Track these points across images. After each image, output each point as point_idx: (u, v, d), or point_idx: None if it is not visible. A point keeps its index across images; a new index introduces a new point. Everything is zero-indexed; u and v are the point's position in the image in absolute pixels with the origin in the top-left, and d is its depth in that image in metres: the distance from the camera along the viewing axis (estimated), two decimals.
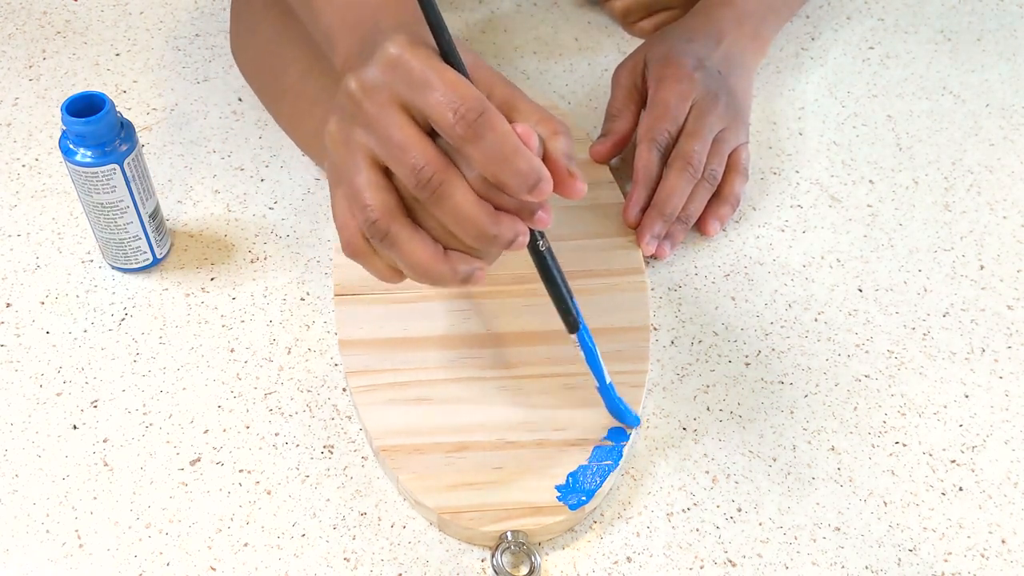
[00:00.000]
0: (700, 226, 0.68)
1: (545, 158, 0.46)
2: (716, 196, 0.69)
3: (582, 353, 0.53)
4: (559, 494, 0.53)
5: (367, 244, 0.48)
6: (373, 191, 0.46)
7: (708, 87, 0.69)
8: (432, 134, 0.46)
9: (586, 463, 0.55)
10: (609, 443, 0.56)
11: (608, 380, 0.55)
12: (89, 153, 0.59)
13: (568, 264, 0.64)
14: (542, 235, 0.50)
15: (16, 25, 0.86)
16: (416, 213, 0.47)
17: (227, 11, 0.82)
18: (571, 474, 0.54)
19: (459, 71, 0.46)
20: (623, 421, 0.56)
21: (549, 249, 0.51)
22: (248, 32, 0.76)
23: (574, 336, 0.53)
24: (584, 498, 0.53)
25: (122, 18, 0.86)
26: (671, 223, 0.66)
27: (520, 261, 0.64)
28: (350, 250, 0.49)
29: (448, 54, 0.46)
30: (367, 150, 0.46)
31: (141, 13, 0.87)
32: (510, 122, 0.46)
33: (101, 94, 0.59)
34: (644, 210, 0.66)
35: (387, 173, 0.47)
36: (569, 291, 0.52)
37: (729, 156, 0.69)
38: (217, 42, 0.83)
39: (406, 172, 0.45)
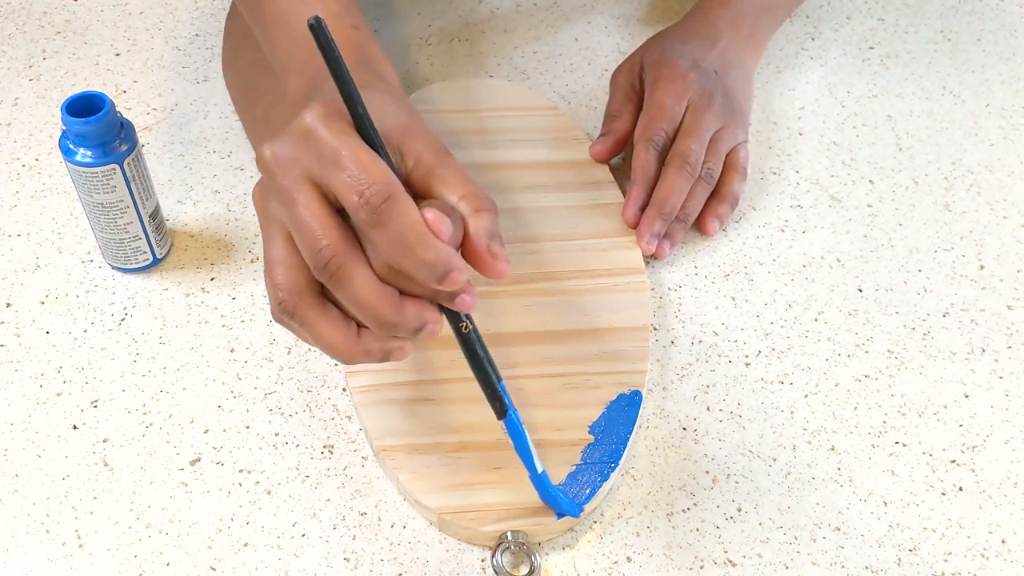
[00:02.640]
0: (699, 225, 0.68)
1: (465, 238, 0.45)
2: (715, 195, 0.69)
3: (510, 440, 0.51)
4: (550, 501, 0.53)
5: (286, 318, 0.46)
6: (283, 269, 0.45)
7: (704, 87, 0.69)
8: (344, 212, 0.44)
9: (579, 462, 0.55)
10: (591, 438, 0.56)
11: (540, 469, 0.51)
12: (89, 153, 0.59)
13: (568, 264, 0.64)
14: (467, 316, 0.47)
15: (16, 25, 0.86)
16: (328, 291, 0.45)
17: (227, 11, 0.82)
18: (559, 485, 0.54)
19: (373, 145, 0.44)
20: (560, 511, 0.53)
21: (475, 330, 0.48)
22: (232, 54, 0.76)
23: (502, 422, 0.50)
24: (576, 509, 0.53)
25: (122, 18, 0.86)
26: (670, 222, 0.66)
27: (520, 262, 0.64)
28: (274, 316, 0.47)
29: (361, 128, 0.44)
30: (281, 224, 0.45)
31: (141, 13, 0.87)
32: (434, 194, 0.45)
33: (101, 94, 0.59)
34: (643, 209, 0.66)
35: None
36: (497, 374, 0.49)
37: (728, 155, 0.69)
38: (217, 42, 0.83)
39: (307, 252, 0.44)
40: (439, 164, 0.46)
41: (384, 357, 0.46)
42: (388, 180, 0.42)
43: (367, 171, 0.42)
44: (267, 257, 0.46)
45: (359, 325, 0.46)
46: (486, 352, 0.49)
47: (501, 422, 0.50)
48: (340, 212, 0.44)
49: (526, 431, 0.50)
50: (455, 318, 0.47)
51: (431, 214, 0.43)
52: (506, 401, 0.49)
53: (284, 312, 0.45)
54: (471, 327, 0.47)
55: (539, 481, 0.52)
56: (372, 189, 0.42)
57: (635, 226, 0.66)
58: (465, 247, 0.45)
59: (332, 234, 0.43)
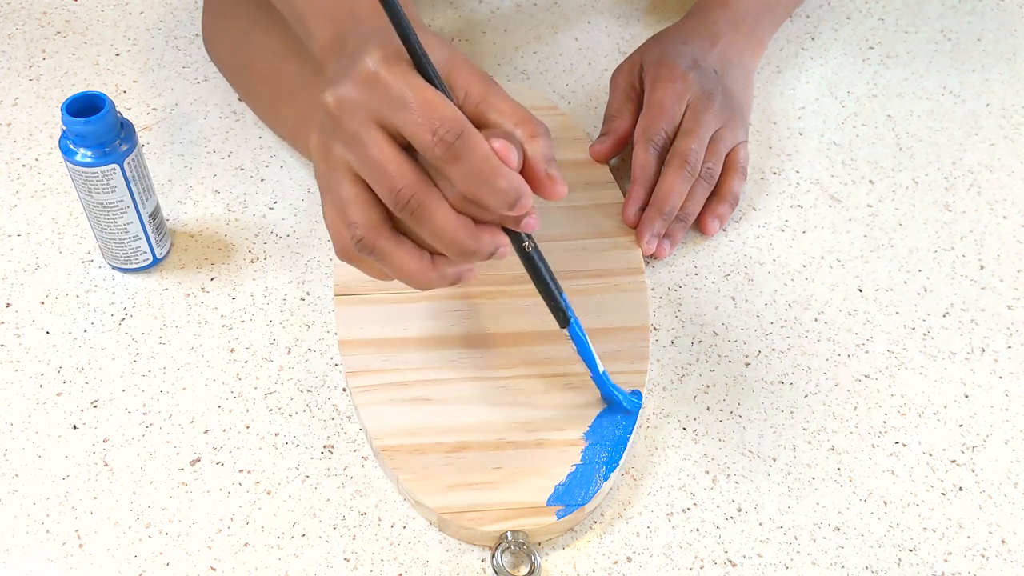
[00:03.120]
0: (699, 225, 0.68)
1: (524, 162, 0.47)
2: (715, 195, 0.69)
3: (575, 346, 0.54)
4: (550, 499, 0.53)
5: (361, 254, 0.49)
6: (358, 207, 0.47)
7: (703, 87, 0.69)
8: (410, 149, 0.46)
9: (580, 461, 0.55)
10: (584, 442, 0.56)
11: (602, 369, 0.56)
12: (89, 153, 0.59)
13: (568, 264, 0.64)
14: (528, 236, 0.50)
15: (16, 25, 0.86)
16: (400, 224, 0.48)
17: None
18: (559, 485, 0.54)
19: (434, 83, 0.46)
20: (621, 406, 0.57)
21: (536, 248, 0.51)
22: (222, 21, 0.76)
23: (565, 330, 0.54)
24: (575, 503, 0.53)
25: (122, 18, 0.86)
26: (670, 222, 0.66)
27: (519, 261, 0.64)
28: (343, 255, 0.50)
29: (421, 67, 0.46)
30: (348, 166, 0.47)
31: (141, 13, 0.87)
32: (488, 123, 0.47)
33: (101, 94, 0.59)
34: (643, 209, 0.66)
35: (370, 188, 0.47)
36: (558, 287, 0.53)
37: (727, 155, 0.69)
38: None
39: (385, 192, 0.46)
40: (490, 93, 0.47)
41: (456, 280, 0.49)
42: (457, 117, 0.44)
43: (436, 110, 0.44)
44: (335, 199, 0.48)
45: (432, 253, 0.48)
46: (547, 267, 0.52)
47: (564, 330, 0.54)
48: (407, 151, 0.46)
49: (587, 337, 0.54)
50: (518, 239, 0.50)
51: (499, 144, 0.45)
52: (568, 311, 0.53)
53: (363, 248, 0.47)
54: (533, 245, 0.51)
55: (600, 380, 0.56)
56: (445, 127, 0.44)
57: (635, 226, 0.66)
58: (525, 171, 0.47)
59: (407, 172, 0.45)
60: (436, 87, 0.46)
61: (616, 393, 0.56)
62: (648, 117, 0.69)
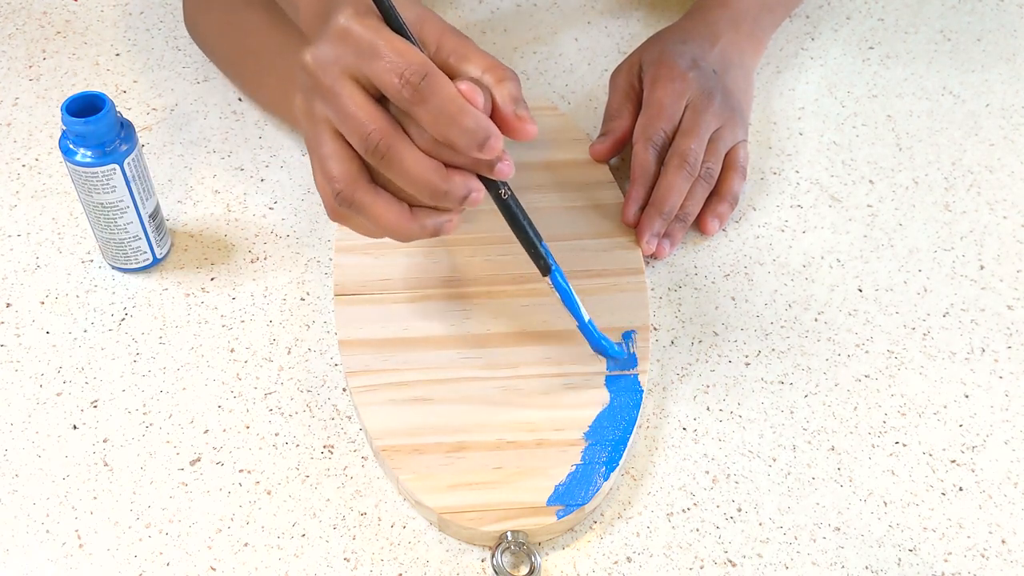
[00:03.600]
0: (699, 224, 0.68)
1: (493, 106, 0.48)
2: (714, 194, 0.69)
3: (558, 294, 0.55)
4: (550, 499, 0.53)
5: (343, 209, 0.50)
6: (336, 161, 0.49)
7: (703, 86, 0.69)
8: (383, 101, 0.48)
9: (580, 461, 0.55)
10: (584, 442, 0.56)
11: (587, 318, 0.56)
12: (89, 153, 0.59)
13: (568, 264, 0.64)
14: (504, 184, 0.51)
15: (16, 25, 0.86)
16: (378, 176, 0.49)
17: None
18: (559, 484, 0.54)
19: (403, 35, 0.48)
20: (608, 355, 0.58)
21: (513, 196, 0.52)
22: (205, 3, 0.77)
23: (547, 279, 0.55)
24: (575, 503, 0.53)
25: (122, 18, 0.86)
26: (669, 221, 0.66)
27: (520, 262, 0.64)
28: (332, 215, 0.51)
29: (390, 20, 0.48)
30: (328, 122, 0.49)
31: (141, 13, 0.87)
32: (459, 73, 0.48)
33: (101, 94, 0.59)
34: (643, 209, 0.66)
35: (348, 142, 0.49)
36: (537, 235, 0.54)
37: (727, 154, 0.69)
38: None
39: (357, 140, 0.48)
40: (458, 44, 0.50)
41: (436, 231, 0.51)
42: (423, 60, 0.46)
43: (403, 56, 0.46)
44: (317, 155, 0.50)
45: (411, 206, 0.50)
46: (526, 215, 0.53)
47: (546, 279, 0.55)
48: (380, 102, 0.48)
49: (571, 287, 0.55)
50: (494, 186, 0.51)
51: (464, 85, 0.47)
52: (549, 259, 0.54)
53: (342, 202, 0.49)
54: (509, 193, 0.52)
55: (586, 329, 0.57)
56: (411, 70, 0.46)
57: (635, 225, 0.66)
58: (495, 115, 0.49)
59: (378, 119, 0.47)
60: (406, 37, 0.48)
61: (602, 342, 0.57)
62: (647, 117, 0.69)
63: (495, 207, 0.57)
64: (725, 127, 0.69)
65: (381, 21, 0.48)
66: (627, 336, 0.60)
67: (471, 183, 0.49)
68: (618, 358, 0.58)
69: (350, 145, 0.49)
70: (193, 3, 0.78)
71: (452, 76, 0.48)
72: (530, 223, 0.54)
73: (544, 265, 0.55)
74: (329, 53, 0.48)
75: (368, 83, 0.48)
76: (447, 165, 0.48)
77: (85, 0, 0.88)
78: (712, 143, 0.68)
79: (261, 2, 0.71)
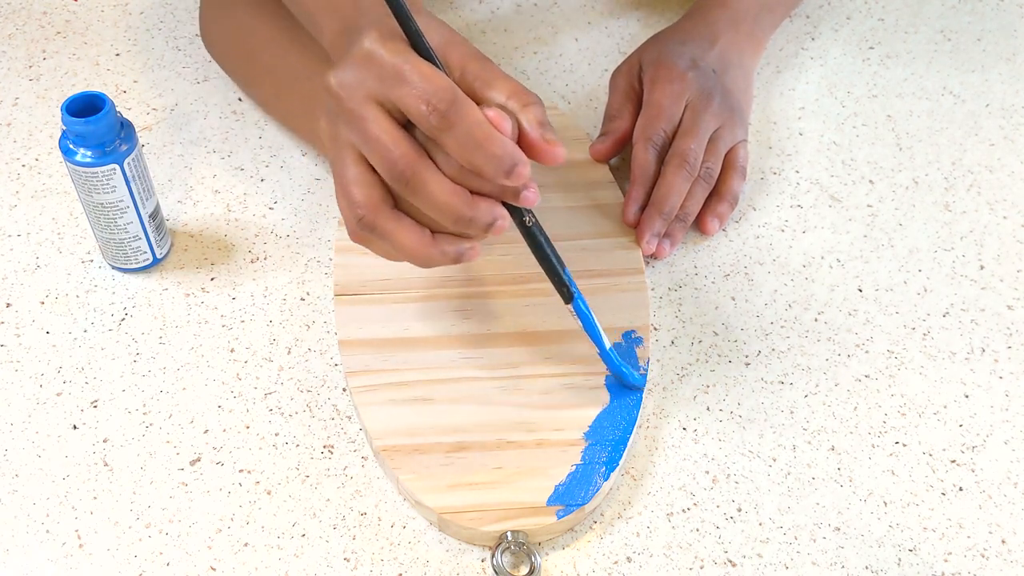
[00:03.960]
0: (699, 224, 0.68)
1: (520, 132, 0.48)
2: (714, 194, 0.69)
3: (579, 322, 0.55)
4: (550, 499, 0.53)
5: (365, 233, 0.50)
6: (359, 187, 0.49)
7: (702, 86, 0.69)
8: (409, 125, 0.48)
9: (580, 461, 0.55)
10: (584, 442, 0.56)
11: (608, 346, 0.56)
12: (89, 153, 0.59)
13: (568, 264, 0.64)
14: (528, 211, 0.51)
15: (16, 25, 0.86)
16: (401, 202, 0.49)
17: None
18: (559, 484, 0.54)
19: (429, 59, 0.48)
20: (627, 383, 0.58)
21: (537, 223, 0.52)
22: (220, 13, 0.76)
23: (569, 306, 0.55)
24: (575, 504, 0.53)
25: (122, 18, 0.86)
26: (669, 221, 0.66)
27: (520, 262, 0.64)
28: (353, 237, 0.51)
29: (416, 44, 0.48)
30: (352, 146, 0.49)
31: (141, 13, 0.87)
32: (483, 98, 0.48)
33: (101, 94, 0.59)
34: (643, 209, 0.66)
35: (372, 167, 0.49)
36: (561, 262, 0.54)
37: (727, 154, 0.69)
38: None
39: (382, 165, 0.48)
40: (483, 69, 0.49)
41: (458, 258, 0.50)
42: (450, 86, 0.46)
43: (430, 81, 0.46)
44: (340, 180, 0.49)
45: (433, 232, 0.50)
46: (549, 243, 0.53)
47: (568, 306, 0.54)
48: (405, 127, 0.48)
49: (592, 313, 0.55)
50: (518, 213, 0.51)
51: (491, 112, 0.47)
52: (572, 287, 0.54)
53: (364, 227, 0.49)
54: (534, 220, 0.52)
55: (607, 357, 0.57)
56: (437, 96, 0.46)
57: (635, 225, 0.66)
58: (521, 141, 0.48)
59: (403, 145, 0.47)
60: (431, 62, 0.47)
61: (623, 368, 0.57)
62: (647, 117, 0.69)
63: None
64: (724, 127, 0.69)
65: (407, 45, 0.48)
66: (627, 336, 0.60)
67: (496, 210, 0.49)
68: (638, 386, 0.58)
69: (374, 170, 0.48)
70: (209, 16, 0.77)
71: (477, 102, 0.48)
72: (554, 250, 0.53)
73: (567, 293, 0.54)
74: (354, 77, 0.47)
75: (394, 108, 0.47)
76: (472, 192, 0.48)
77: (85, 0, 0.88)
78: (712, 143, 0.68)
79: (279, 16, 0.70)
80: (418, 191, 0.47)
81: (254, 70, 0.74)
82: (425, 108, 0.46)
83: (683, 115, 0.69)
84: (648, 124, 0.68)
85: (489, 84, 0.49)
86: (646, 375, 0.59)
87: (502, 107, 0.48)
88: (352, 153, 0.49)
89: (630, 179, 0.67)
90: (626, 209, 0.66)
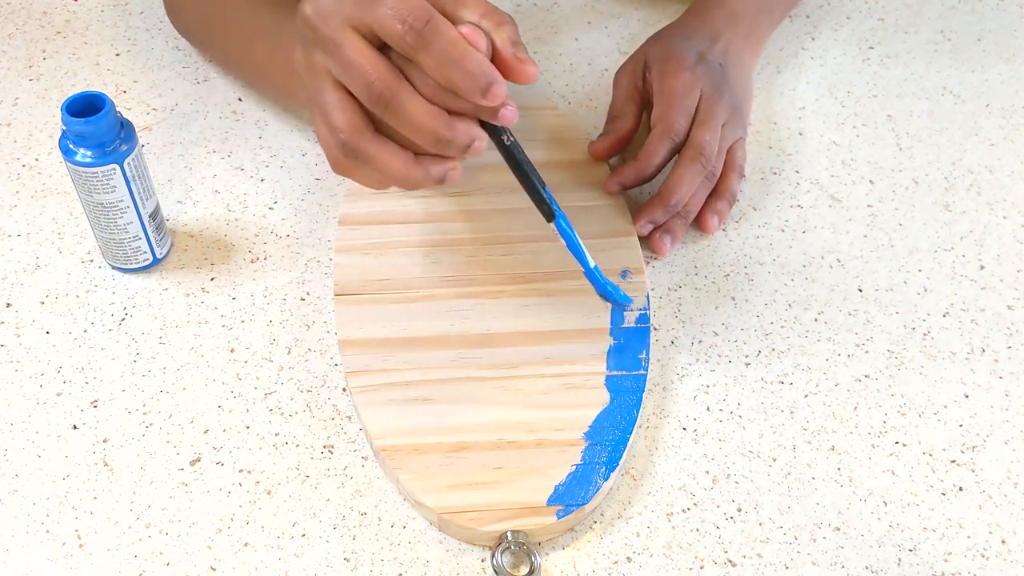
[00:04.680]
0: (699, 222, 0.68)
1: (493, 51, 0.49)
2: (713, 192, 0.68)
3: (563, 240, 0.56)
4: (550, 499, 0.53)
5: (349, 160, 0.51)
6: (339, 112, 0.49)
7: (712, 79, 0.69)
8: (385, 50, 0.48)
9: (580, 461, 0.55)
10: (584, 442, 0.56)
11: (592, 264, 0.57)
12: (89, 153, 0.59)
13: (568, 264, 0.64)
14: (507, 130, 0.52)
15: (16, 25, 0.86)
16: (381, 126, 0.50)
17: None
18: (559, 484, 0.54)
19: None
20: (613, 301, 0.59)
21: (516, 142, 0.53)
22: None
23: (552, 224, 0.55)
24: (574, 504, 0.53)
25: (122, 18, 0.86)
26: (672, 214, 0.66)
27: (520, 262, 0.64)
28: (336, 167, 0.52)
29: None
30: (328, 72, 0.49)
31: (141, 13, 0.87)
32: (456, 19, 0.48)
33: (101, 94, 0.59)
34: (624, 187, 0.67)
35: (351, 93, 0.49)
36: (541, 181, 0.54)
37: (726, 153, 0.69)
38: None
39: (359, 89, 0.48)
40: None
41: (441, 179, 0.51)
42: (424, 5, 0.47)
43: (405, 1, 0.47)
44: (320, 107, 0.50)
45: (415, 155, 0.50)
46: (528, 162, 0.54)
47: (551, 224, 0.55)
48: (382, 51, 0.48)
49: (575, 232, 0.56)
50: (497, 133, 0.52)
51: (466, 29, 0.47)
52: (552, 204, 0.55)
53: (348, 153, 0.50)
54: (512, 139, 0.52)
55: (591, 275, 0.58)
56: (413, 15, 0.46)
57: (613, 189, 0.68)
58: (495, 59, 0.49)
59: (380, 67, 0.48)
60: None
61: (608, 287, 0.58)
62: (662, 106, 0.68)
63: (495, 207, 0.57)
64: (728, 124, 0.69)
65: None
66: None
67: (474, 130, 0.49)
68: (624, 303, 0.59)
69: (352, 95, 0.49)
70: None
71: (451, 21, 0.48)
72: (533, 170, 0.54)
73: (548, 211, 0.55)
74: (329, 3, 0.48)
75: (370, 32, 0.48)
76: (451, 113, 0.49)
77: (85, 0, 0.88)
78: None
79: None
80: (397, 112, 0.48)
81: (220, 30, 0.75)
82: (401, 27, 0.46)
83: (698, 105, 0.68)
84: (666, 112, 0.67)
85: (462, 5, 0.49)
86: (630, 299, 0.60)
87: (476, 26, 0.48)
88: (329, 80, 0.49)
89: (635, 156, 0.67)
90: (611, 179, 0.67)
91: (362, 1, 0.47)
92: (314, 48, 0.50)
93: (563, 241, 0.56)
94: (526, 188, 0.54)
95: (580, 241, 0.56)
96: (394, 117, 0.48)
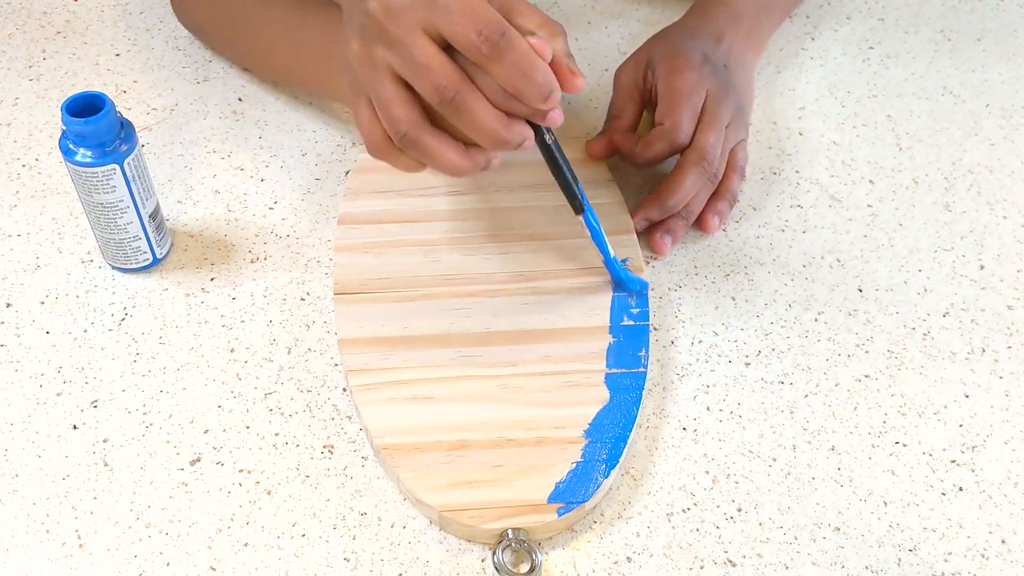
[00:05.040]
0: (700, 222, 0.68)
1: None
2: (714, 192, 0.68)
3: (588, 232, 0.60)
4: (551, 496, 0.54)
5: (392, 146, 0.54)
6: (400, 105, 0.52)
7: (718, 79, 0.69)
8: (449, 51, 0.51)
9: (580, 459, 0.55)
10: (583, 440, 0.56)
11: (612, 254, 0.61)
12: (89, 153, 0.59)
13: (568, 263, 0.64)
14: (548, 130, 0.56)
15: (16, 25, 0.86)
16: (437, 119, 0.53)
17: None
18: (560, 482, 0.54)
19: None
20: (630, 288, 0.62)
21: (555, 142, 0.57)
22: None
23: (580, 217, 0.59)
24: (574, 502, 0.53)
25: (122, 18, 0.86)
26: (669, 214, 0.66)
27: (520, 260, 0.64)
28: (377, 152, 0.55)
29: None
30: (389, 67, 0.52)
31: (141, 13, 0.87)
32: (516, 25, 0.51)
33: (101, 94, 0.59)
34: (609, 152, 0.70)
35: (409, 87, 0.52)
36: (574, 177, 0.59)
37: (728, 153, 0.69)
38: None
39: (429, 90, 0.51)
40: None
41: (486, 166, 0.55)
42: (500, 19, 0.50)
43: (479, 13, 0.49)
44: (379, 99, 0.53)
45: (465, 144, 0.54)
46: (565, 158, 0.58)
47: (580, 217, 0.60)
48: (446, 51, 0.51)
49: (600, 225, 0.60)
50: (540, 131, 0.55)
51: (536, 41, 0.51)
52: (583, 199, 0.59)
53: (406, 143, 0.53)
54: (553, 137, 0.57)
55: (611, 264, 0.62)
56: (489, 28, 0.49)
57: (595, 153, 0.70)
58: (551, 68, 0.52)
59: (450, 72, 0.50)
60: None
61: (624, 275, 0.62)
62: (668, 103, 0.67)
63: (494, 206, 0.57)
64: (731, 126, 0.69)
65: None
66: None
67: (526, 131, 0.53)
68: (641, 288, 0.62)
69: (411, 90, 0.52)
70: None
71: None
72: (568, 165, 0.58)
73: (578, 204, 0.59)
74: (400, 3, 0.50)
75: (439, 35, 0.50)
76: (506, 113, 0.52)
77: (85, 0, 0.88)
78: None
79: None
80: (463, 114, 0.51)
81: (232, 29, 0.76)
82: (476, 38, 0.49)
83: (704, 104, 0.68)
84: (670, 111, 0.67)
85: (519, 12, 0.52)
86: (646, 282, 0.63)
87: (533, 36, 0.51)
88: (389, 74, 0.52)
89: (640, 142, 0.68)
90: (599, 143, 0.70)
91: (435, 7, 0.49)
92: (376, 43, 0.52)
93: (588, 232, 0.60)
94: (560, 183, 0.58)
95: (604, 233, 0.60)
96: (460, 118, 0.51)
